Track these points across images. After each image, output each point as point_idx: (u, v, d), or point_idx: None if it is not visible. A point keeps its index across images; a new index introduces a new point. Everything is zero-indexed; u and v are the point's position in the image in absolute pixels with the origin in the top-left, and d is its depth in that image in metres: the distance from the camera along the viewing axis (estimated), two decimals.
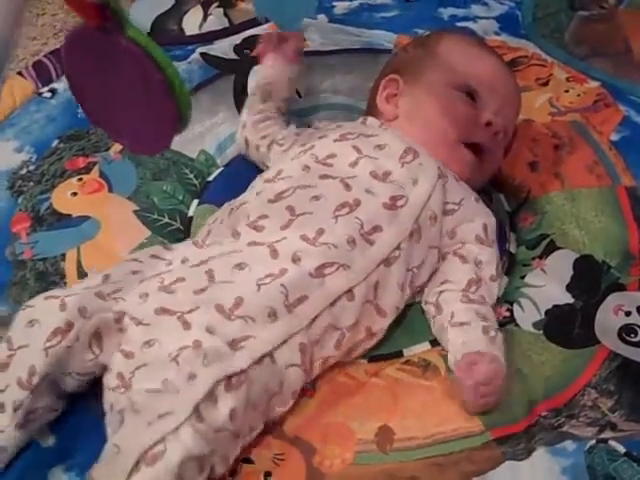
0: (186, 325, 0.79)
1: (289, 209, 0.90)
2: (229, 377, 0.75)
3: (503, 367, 0.84)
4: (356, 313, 0.86)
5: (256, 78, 1.17)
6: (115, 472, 0.69)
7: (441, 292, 0.93)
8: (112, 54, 0.68)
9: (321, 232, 0.87)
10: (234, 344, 0.78)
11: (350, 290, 0.85)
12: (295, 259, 0.85)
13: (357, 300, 0.86)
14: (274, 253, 0.85)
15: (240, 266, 0.84)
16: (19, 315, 0.82)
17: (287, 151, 1.04)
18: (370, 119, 1.05)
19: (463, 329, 0.88)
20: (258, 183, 0.98)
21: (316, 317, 0.83)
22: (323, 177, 0.93)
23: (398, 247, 0.89)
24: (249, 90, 1.17)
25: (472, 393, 0.82)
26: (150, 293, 0.83)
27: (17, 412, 0.78)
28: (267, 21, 1.28)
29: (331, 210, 0.89)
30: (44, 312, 0.81)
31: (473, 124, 1.00)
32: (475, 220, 0.97)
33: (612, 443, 0.79)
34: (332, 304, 0.84)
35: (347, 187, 0.92)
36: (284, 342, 0.81)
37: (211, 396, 0.73)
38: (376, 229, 0.89)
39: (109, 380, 0.80)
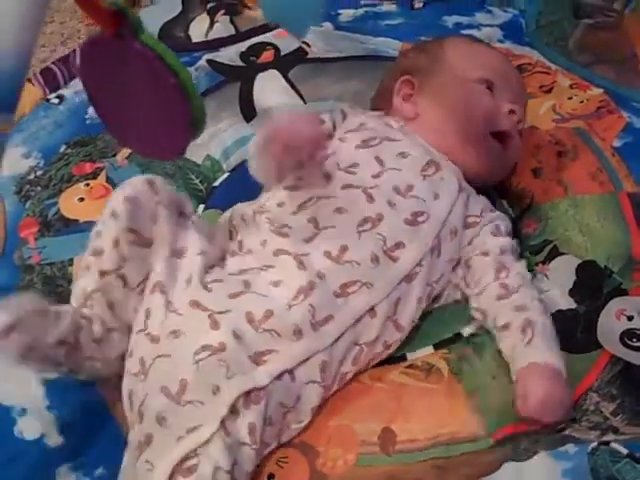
0: (215, 325, 0.79)
1: (311, 221, 0.90)
2: (249, 392, 0.76)
3: (549, 384, 0.82)
4: (377, 330, 0.86)
5: None
6: None
7: (480, 293, 0.94)
8: (126, 59, 0.69)
9: (344, 249, 0.87)
10: (257, 357, 0.79)
11: (372, 308, 0.86)
12: (320, 276, 0.85)
13: (379, 317, 0.86)
14: (301, 265, 0.85)
15: (275, 283, 0.84)
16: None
17: None
18: (387, 118, 1.06)
19: (506, 336, 0.88)
20: (279, 193, 0.95)
21: (340, 336, 0.84)
22: (345, 187, 0.93)
23: (420, 263, 0.90)
24: None
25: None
26: (193, 282, 0.83)
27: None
28: (277, 26, 1.28)
29: (354, 225, 0.89)
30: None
31: (498, 113, 1.02)
32: (489, 224, 0.98)
33: (615, 445, 0.80)
34: (355, 322, 0.85)
35: (370, 198, 0.91)
36: (306, 360, 0.81)
37: (233, 410, 0.74)
38: (399, 245, 0.89)
39: (131, 364, 0.80)
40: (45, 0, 0.62)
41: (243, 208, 0.97)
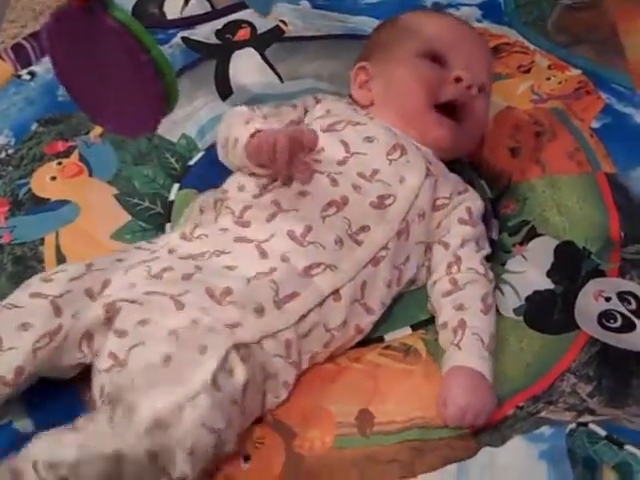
0: (179, 305, 0.79)
1: (275, 203, 0.89)
2: (237, 347, 0.75)
3: (471, 391, 0.81)
4: (344, 313, 0.86)
5: None
6: (127, 429, 0.69)
7: (432, 285, 0.93)
8: (97, 35, 0.67)
9: (309, 229, 0.86)
10: (229, 327, 0.78)
11: (337, 291, 0.85)
12: (284, 259, 0.84)
13: (344, 301, 0.86)
14: (263, 254, 0.85)
15: (230, 268, 0.84)
16: (6, 314, 0.81)
17: None
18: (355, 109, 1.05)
19: (443, 334, 0.88)
20: (239, 176, 0.96)
21: (305, 315, 0.83)
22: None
23: (386, 247, 0.89)
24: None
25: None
26: (137, 282, 0.82)
27: None
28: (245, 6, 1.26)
29: (319, 209, 0.89)
30: (36, 315, 0.80)
31: (440, 83, 1.00)
32: (459, 206, 0.97)
33: (592, 426, 0.80)
34: (320, 304, 0.84)
35: (334, 183, 0.91)
36: (270, 335, 0.80)
37: (225, 365, 0.73)
38: (364, 229, 0.89)
39: (100, 362, 0.79)
40: None
41: (205, 199, 0.96)
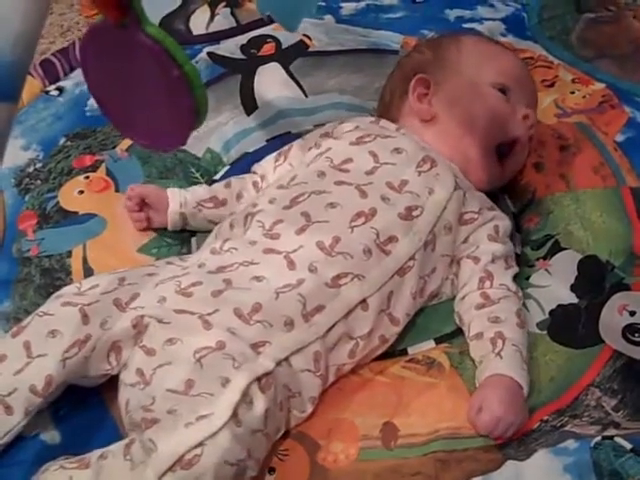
0: (207, 325, 0.79)
1: (304, 215, 0.89)
2: (259, 378, 0.75)
3: (509, 402, 0.81)
4: (370, 323, 0.86)
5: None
6: (146, 468, 0.69)
7: (462, 298, 0.94)
8: (130, 50, 0.68)
9: (337, 240, 0.87)
10: (255, 348, 0.78)
11: (364, 300, 0.86)
12: (312, 269, 0.85)
13: (371, 310, 0.86)
14: (291, 264, 0.85)
15: (258, 278, 0.84)
16: (36, 321, 0.82)
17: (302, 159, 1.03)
18: (383, 121, 1.05)
19: (477, 344, 0.88)
20: (271, 190, 0.97)
21: (332, 327, 0.83)
22: (339, 183, 0.93)
23: (413, 257, 0.89)
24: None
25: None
26: (167, 296, 0.83)
27: (28, 416, 0.79)
28: (272, 21, 1.28)
29: (347, 219, 0.89)
30: (66, 322, 0.81)
31: (513, 119, 1.02)
32: (488, 223, 0.97)
33: (618, 440, 0.79)
34: (347, 314, 0.84)
35: (363, 194, 0.91)
36: (299, 350, 0.81)
37: (246, 398, 0.73)
38: (392, 239, 0.89)
39: (127, 376, 0.80)
40: None
41: (235, 215, 0.97)
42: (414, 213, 0.92)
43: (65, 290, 0.86)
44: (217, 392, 0.73)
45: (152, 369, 0.77)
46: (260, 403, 0.74)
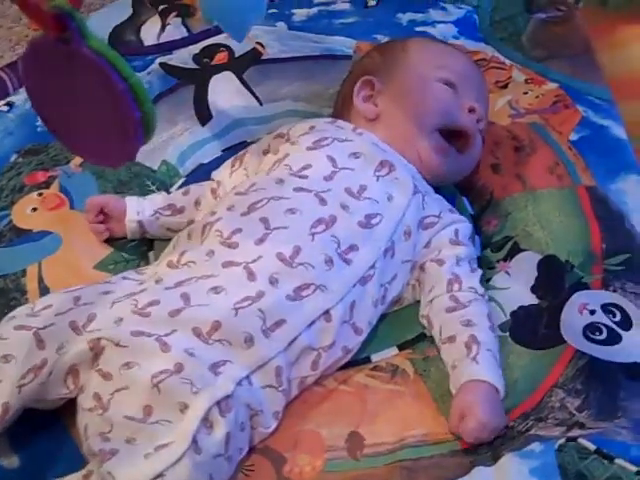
0: (165, 347, 0.77)
1: (263, 221, 0.88)
2: (219, 402, 0.75)
3: (490, 407, 0.81)
4: (334, 334, 0.85)
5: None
6: None
7: (430, 302, 0.93)
8: (73, 65, 0.67)
9: (298, 250, 0.86)
10: (214, 369, 0.77)
11: (327, 311, 0.85)
12: (272, 281, 0.84)
13: (334, 321, 0.85)
14: (251, 275, 0.84)
15: (216, 290, 0.83)
16: None
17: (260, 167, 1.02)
18: (340, 121, 1.05)
19: (450, 348, 0.88)
20: (229, 196, 0.96)
21: (293, 340, 0.83)
22: (297, 190, 0.92)
23: (373, 266, 0.89)
24: None
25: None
26: (124, 317, 0.81)
27: None
28: (221, 31, 1.27)
29: (307, 226, 0.88)
30: (20, 347, 0.79)
31: (457, 108, 1.02)
32: (448, 227, 0.97)
33: (582, 441, 0.79)
34: (309, 326, 0.84)
35: (322, 201, 0.91)
36: (260, 367, 0.80)
37: (206, 423, 0.73)
38: (352, 248, 0.89)
39: (84, 400, 0.78)
40: None
41: (193, 225, 0.95)
42: (373, 221, 0.91)
43: (18, 311, 0.84)
44: (176, 419, 0.72)
45: (109, 394, 0.76)
46: (220, 428, 0.73)
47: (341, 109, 1.10)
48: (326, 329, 0.85)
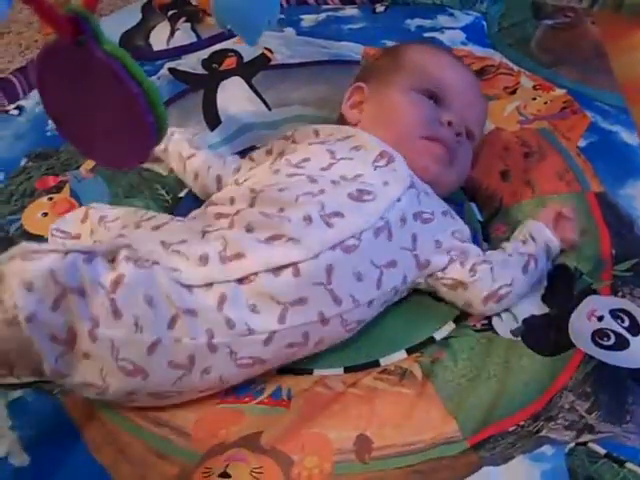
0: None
1: (252, 191, 0.91)
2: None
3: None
4: (300, 290, 0.83)
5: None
6: None
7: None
8: (87, 68, 0.67)
9: (281, 210, 0.87)
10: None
11: (295, 265, 0.83)
12: (249, 229, 0.85)
13: (303, 277, 0.83)
14: (231, 223, 0.87)
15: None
16: None
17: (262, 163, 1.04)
18: (345, 127, 1.05)
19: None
20: (227, 187, 1.00)
21: (246, 277, 0.82)
22: (291, 175, 0.94)
23: (358, 237, 0.87)
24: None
25: None
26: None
27: None
28: (232, 35, 1.27)
29: (294, 196, 0.89)
30: None
31: (434, 121, 1.01)
32: (448, 229, 0.97)
33: (592, 445, 0.79)
34: (275, 273, 0.82)
35: (313, 181, 0.92)
36: (208, 285, 0.80)
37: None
38: (337, 214, 0.87)
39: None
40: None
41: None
42: (365, 197, 0.90)
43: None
44: None
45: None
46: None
47: (340, 113, 1.10)
48: (292, 283, 0.83)
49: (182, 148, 1.11)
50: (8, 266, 0.72)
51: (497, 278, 0.93)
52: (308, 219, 0.86)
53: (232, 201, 0.92)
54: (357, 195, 0.90)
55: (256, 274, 0.82)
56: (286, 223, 0.85)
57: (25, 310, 0.70)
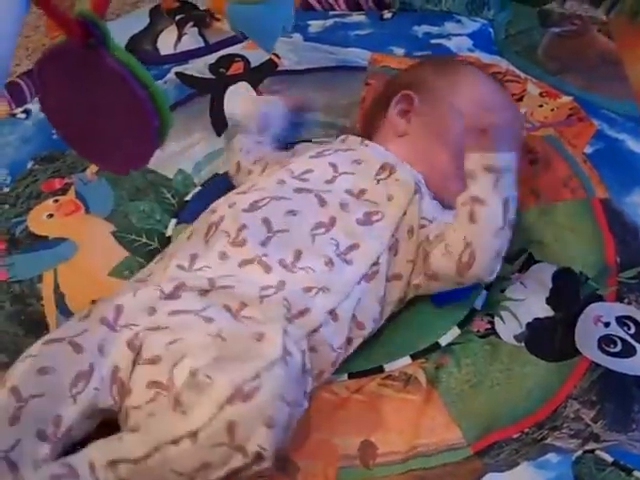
0: (208, 320, 0.80)
1: (265, 222, 0.90)
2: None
3: None
4: (345, 331, 0.86)
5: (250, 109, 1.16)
6: (204, 400, 0.69)
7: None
8: (93, 72, 0.67)
9: (299, 255, 0.87)
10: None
11: (333, 311, 0.85)
12: (279, 285, 0.85)
13: (341, 319, 0.86)
14: (267, 268, 0.86)
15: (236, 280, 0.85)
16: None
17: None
18: (351, 138, 1.05)
19: None
20: (230, 196, 0.98)
21: (315, 330, 0.83)
22: (298, 190, 0.94)
23: (377, 262, 0.89)
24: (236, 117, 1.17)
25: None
26: (155, 306, 0.82)
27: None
28: (245, 38, 1.28)
29: (308, 229, 0.89)
30: (56, 359, 0.76)
31: None
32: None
33: (599, 453, 0.79)
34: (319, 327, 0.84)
35: (322, 202, 0.92)
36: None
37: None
38: (352, 247, 0.89)
39: (138, 398, 0.77)
40: (20, 14, 0.62)
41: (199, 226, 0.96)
42: (374, 218, 0.92)
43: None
44: (255, 344, 0.75)
45: (167, 372, 0.75)
46: (297, 351, 0.76)
47: (372, 115, 1.10)
48: (336, 327, 0.85)
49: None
50: None
51: (452, 250, 0.90)
52: (330, 263, 0.87)
53: (243, 227, 0.90)
54: (365, 219, 0.92)
55: (320, 326, 0.84)
56: (311, 274, 0.86)
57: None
